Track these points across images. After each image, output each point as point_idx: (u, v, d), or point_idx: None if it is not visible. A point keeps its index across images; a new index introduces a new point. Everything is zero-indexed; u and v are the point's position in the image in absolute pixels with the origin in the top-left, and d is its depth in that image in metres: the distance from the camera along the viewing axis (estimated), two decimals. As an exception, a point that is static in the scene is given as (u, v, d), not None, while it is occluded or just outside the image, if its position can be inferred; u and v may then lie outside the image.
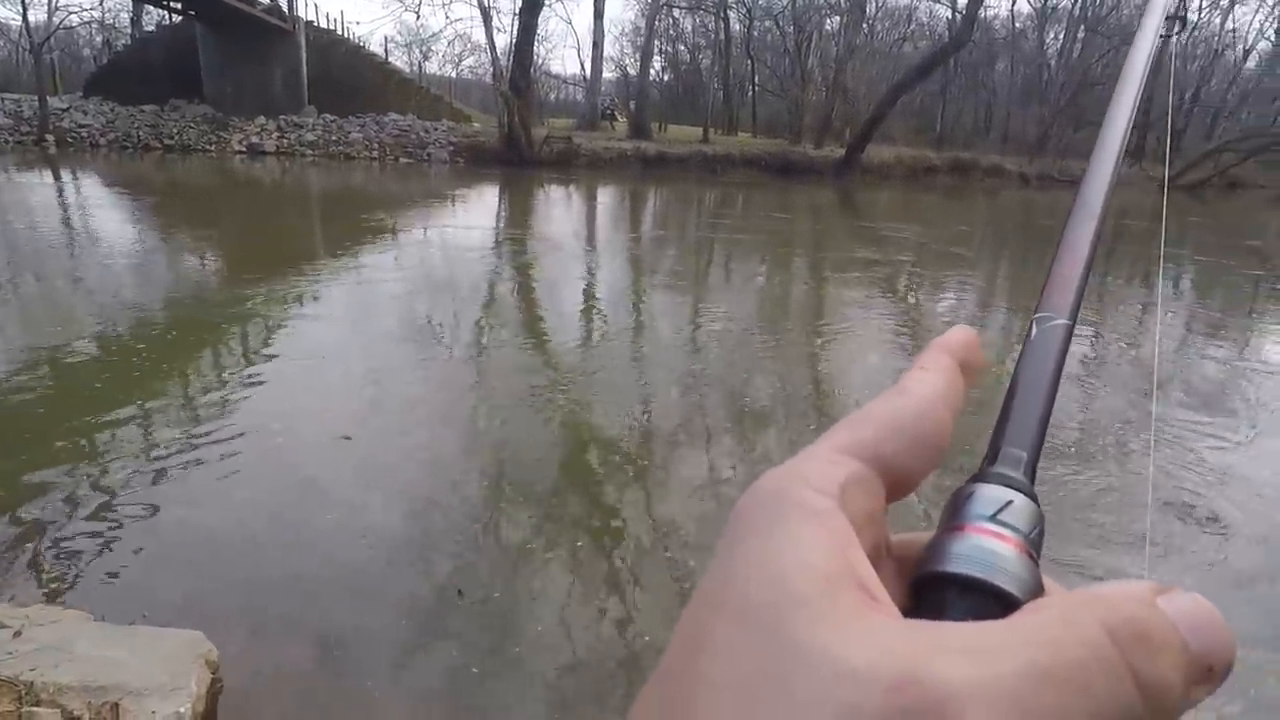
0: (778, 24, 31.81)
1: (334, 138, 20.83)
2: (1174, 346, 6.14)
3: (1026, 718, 0.14)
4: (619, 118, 29.27)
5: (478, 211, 13.27)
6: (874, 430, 0.21)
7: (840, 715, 0.15)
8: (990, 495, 0.21)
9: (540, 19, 22.65)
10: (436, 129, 21.97)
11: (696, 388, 4.46)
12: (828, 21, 30.59)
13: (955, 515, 0.21)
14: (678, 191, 18.28)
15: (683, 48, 36.42)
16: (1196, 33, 36.27)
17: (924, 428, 0.22)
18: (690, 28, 34.68)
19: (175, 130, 20.09)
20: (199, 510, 2.79)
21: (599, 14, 26.03)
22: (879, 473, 0.21)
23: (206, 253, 7.98)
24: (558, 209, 14.48)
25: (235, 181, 15.32)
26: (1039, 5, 35.77)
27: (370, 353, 4.64)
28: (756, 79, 34.65)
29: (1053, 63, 35.43)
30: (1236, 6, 37.32)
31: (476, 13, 20.49)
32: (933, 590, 0.20)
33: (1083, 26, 32.71)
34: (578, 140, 21.82)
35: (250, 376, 4.16)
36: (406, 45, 39.72)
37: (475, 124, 24.22)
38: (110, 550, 2.51)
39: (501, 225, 11.50)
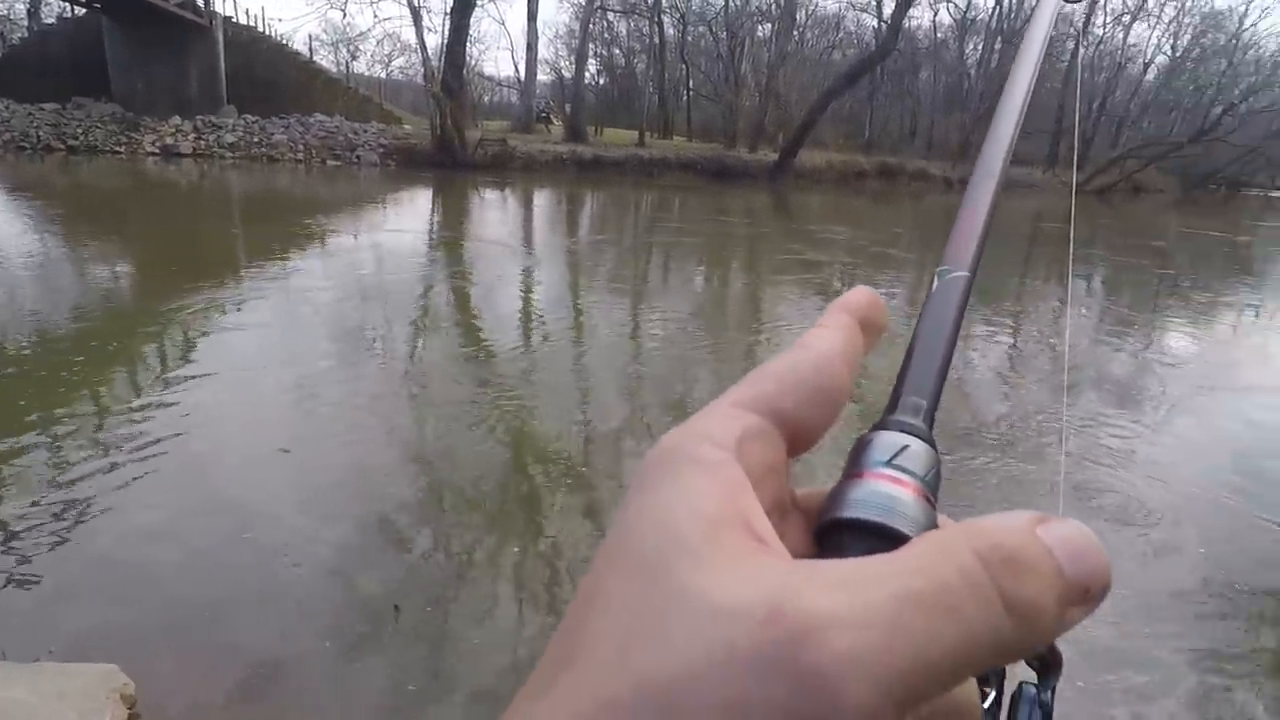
0: (711, 29, 32.23)
1: (256, 139, 20.00)
2: (1086, 342, 6.46)
3: (895, 640, 0.15)
4: (554, 120, 29.11)
5: (411, 215, 12.97)
6: (772, 385, 0.22)
7: (712, 652, 0.15)
8: (887, 441, 0.21)
9: (472, 19, 22.30)
10: (366, 131, 21.37)
11: (638, 389, 4.45)
12: (760, 28, 31.19)
13: (855, 463, 0.21)
14: (614, 195, 18.28)
15: (618, 51, 36.55)
16: (1101, 46, 38.59)
17: (822, 382, 0.22)
18: (625, 31, 34.85)
19: (80, 130, 18.88)
20: (111, 535, 2.61)
21: (532, 16, 25.83)
22: (778, 426, 0.21)
23: (119, 261, 7.54)
24: (494, 212, 14.28)
25: (149, 185, 14.54)
26: (959, 17, 37.36)
27: (300, 363, 4.46)
28: (691, 83, 35.01)
29: (972, 72, 37.03)
30: (1136, 23, 39.65)
31: (406, 12, 20.04)
32: (833, 538, 0.20)
33: (999, 38, 34.27)
34: (513, 143, 21.58)
35: (169, 392, 3.94)
36: (333, 44, 38.52)
37: (407, 126, 23.69)
38: (11, 582, 2.32)
39: (436, 229, 11.26)
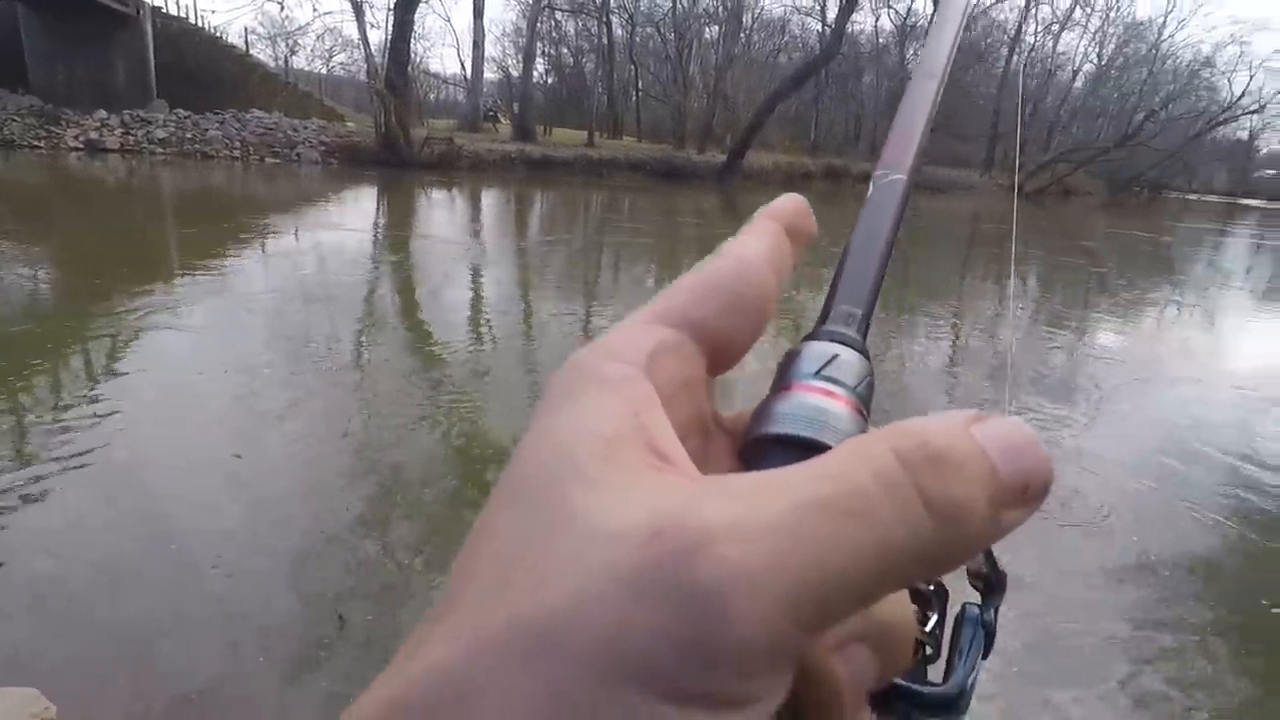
0: (659, 31, 32.36)
1: (189, 135, 19.22)
2: (1023, 337, 6.69)
3: (794, 548, 0.13)
4: (502, 119, 28.83)
5: (356, 215, 12.65)
6: (687, 295, 0.20)
7: (591, 578, 0.13)
8: (816, 352, 0.20)
9: (417, 16, 21.89)
10: (306, 128, 20.76)
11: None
12: (707, 30, 31.44)
13: (782, 376, 0.20)
14: (564, 195, 18.18)
15: (566, 50, 36.38)
16: (1033, 54, 40.20)
17: (743, 289, 0.20)
18: (573, 31, 34.71)
19: (-5, 123, 17.88)
20: (33, 552, 2.46)
21: (479, 13, 25.51)
22: (695, 339, 0.20)
23: (41, 263, 7.15)
24: (441, 212, 14.04)
25: (73, 182, 13.85)
26: (899, 23, 38.34)
27: (238, 368, 4.29)
28: (640, 84, 35.09)
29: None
30: (1065, 32, 41.51)
31: (348, 6, 19.54)
32: (757, 457, 0.19)
33: (937, 44, 35.26)
34: (460, 142, 21.27)
35: (96, 403, 3.74)
36: (271, 38, 37.38)
37: (349, 123, 23.12)
38: (-83, 604, 2.17)
39: (381, 230, 11.00)
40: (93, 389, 3.86)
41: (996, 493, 0.15)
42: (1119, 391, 5.18)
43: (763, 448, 0.19)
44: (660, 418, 0.17)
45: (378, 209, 13.64)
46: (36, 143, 17.72)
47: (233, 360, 4.42)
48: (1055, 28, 40.51)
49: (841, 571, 0.13)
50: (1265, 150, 67.80)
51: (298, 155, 19.54)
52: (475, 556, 0.15)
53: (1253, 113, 39.49)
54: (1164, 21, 42.28)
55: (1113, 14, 41.15)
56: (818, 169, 27.64)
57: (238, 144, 19.38)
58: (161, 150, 18.55)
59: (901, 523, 0.14)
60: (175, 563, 2.45)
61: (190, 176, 15.68)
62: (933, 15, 0.31)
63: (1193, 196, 51.81)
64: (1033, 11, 37.67)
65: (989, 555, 0.23)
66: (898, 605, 0.19)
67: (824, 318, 0.22)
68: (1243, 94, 38.32)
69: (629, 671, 0.13)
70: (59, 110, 18.71)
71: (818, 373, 0.19)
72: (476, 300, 6.73)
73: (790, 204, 0.23)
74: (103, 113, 18.94)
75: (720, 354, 0.20)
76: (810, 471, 0.15)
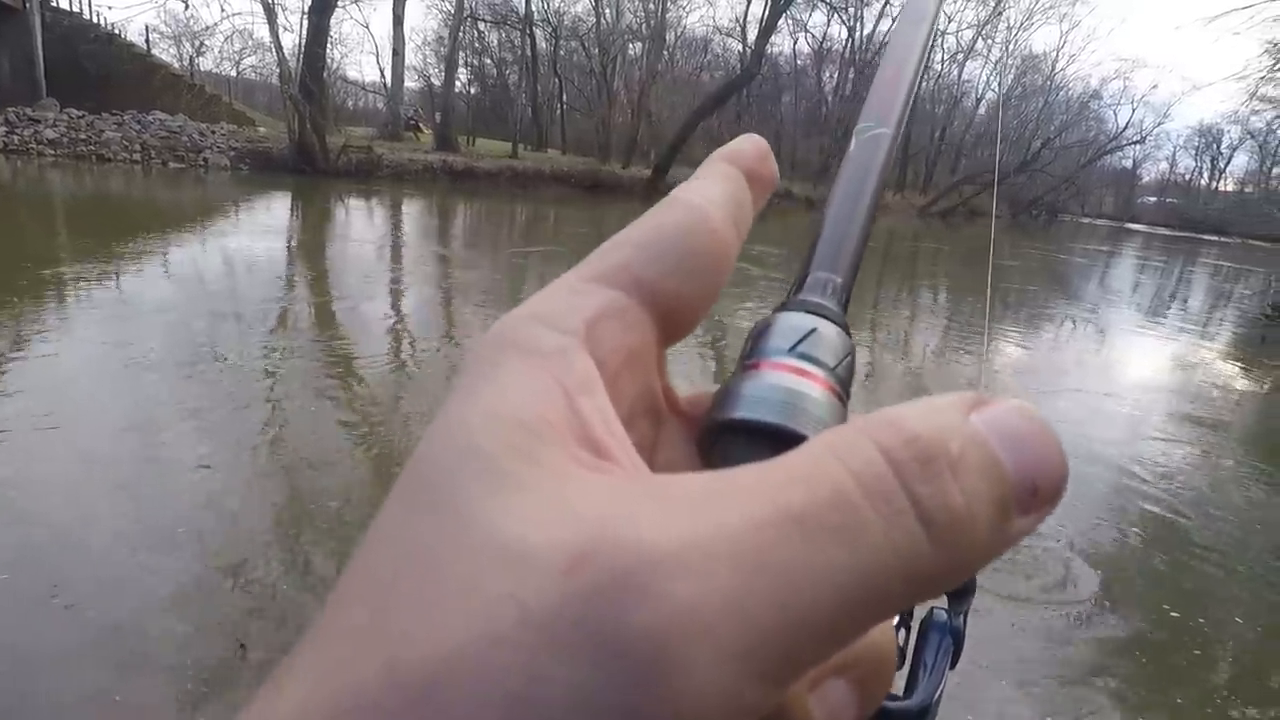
0: (584, 45, 32.48)
1: (83, 136, 18.00)
2: (935, 350, 6.98)
3: (756, 582, 0.10)
4: (423, 129, 28.26)
5: (266, 224, 12.09)
6: (633, 250, 0.17)
7: (494, 618, 0.10)
8: (790, 325, 0.18)
9: (333, 21, 21.25)
10: (214, 132, 19.79)
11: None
12: (631, 46, 31.78)
13: (751, 352, 0.18)
14: (488, 206, 17.95)
15: (489, 61, 36.03)
16: (939, 81, 42.53)
17: (695, 243, 0.17)
18: (496, 42, 34.42)
19: None
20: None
21: (398, 20, 24.98)
22: (643, 303, 0.16)
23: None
24: (359, 223, 13.60)
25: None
26: (816, 47, 39.84)
27: (133, 397, 4.01)
28: (565, 97, 35.11)
29: (830, 98, 39.57)
30: (970, 61, 44.28)
31: (259, 8, 18.78)
32: (719, 445, 0.16)
33: (852, 68, 36.83)
34: (379, 150, 20.72)
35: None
36: (175, 38, 35.61)
37: (261, 128, 22.17)
38: None
39: (295, 241, 10.56)
40: (-38, 412, 3.52)
41: (1004, 496, 0.12)
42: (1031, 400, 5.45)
43: (725, 436, 0.16)
44: (600, 401, 0.14)
45: (291, 219, 13.10)
46: (-95, 140, 16.26)
47: (126, 389, 4.12)
48: (960, 57, 43.03)
49: (817, 607, 0.10)
50: (1146, 178, 73.93)
51: (204, 160, 18.58)
52: (356, 573, 0.12)
53: (1135, 143, 43.20)
54: (1056, 55, 45.60)
55: (1010, 46, 44.07)
56: (741, 186, 28.29)
57: (138, 147, 18.26)
58: (52, 151, 17.28)
59: (892, 542, 0.11)
60: (68, 593, 2.24)
61: (85, 180, 14.68)
62: None
63: (1085, 220, 55.83)
64: (939, 42, 39.83)
65: None
66: (881, 631, 0.16)
67: (799, 285, 0.20)
68: (1126, 125, 41.93)
69: None
70: (-68, 106, 17.23)
71: (792, 349, 0.17)
72: (398, 314, 6.53)
73: (750, 145, 0.21)
74: (-17, 110, 17.54)
75: (672, 320, 0.17)
76: (777, 474, 0.12)
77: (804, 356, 0.17)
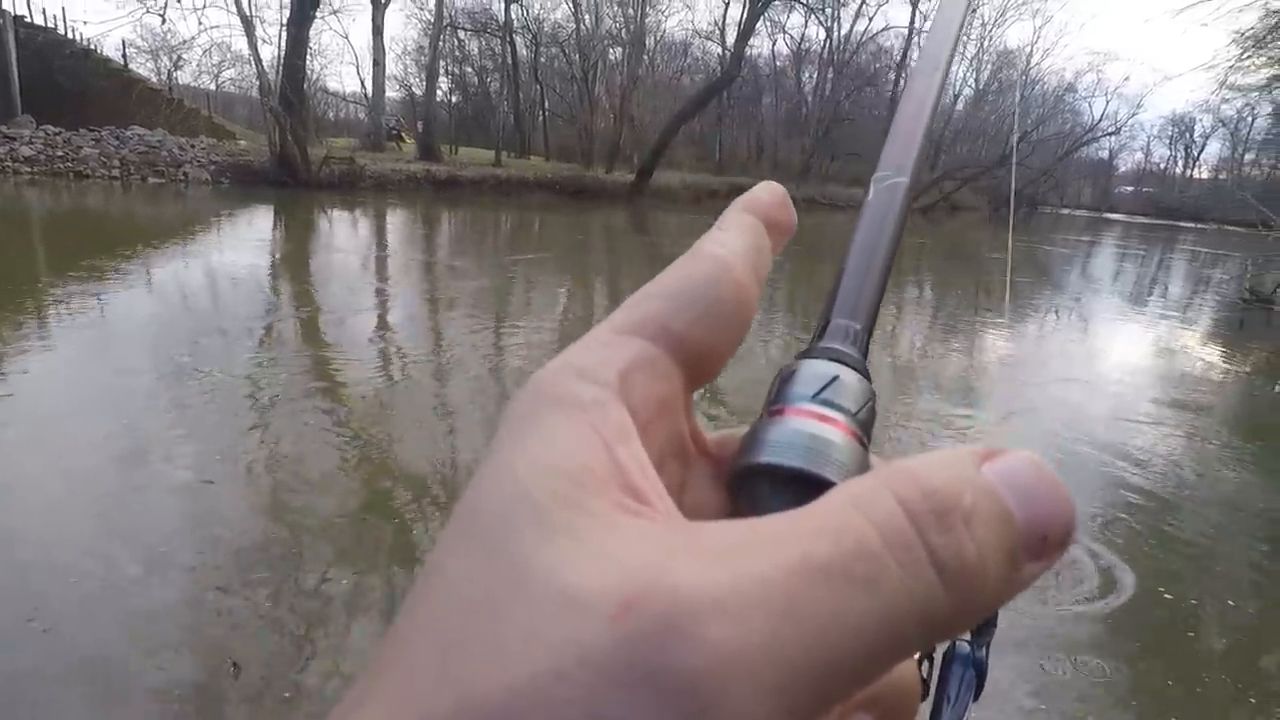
0: (564, 51, 32.52)
1: (60, 153, 17.81)
2: (921, 343, 7.03)
3: (790, 624, 0.11)
4: (406, 139, 28.18)
5: (248, 238, 12.02)
6: (661, 302, 0.18)
7: (556, 658, 0.11)
8: (814, 372, 0.18)
9: (312, 32, 21.17)
10: (194, 146, 19.65)
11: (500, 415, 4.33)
12: (611, 52, 31.85)
13: (776, 398, 0.18)
14: (472, 215, 17.91)
15: (470, 70, 35.99)
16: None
17: (720, 293, 0.18)
18: (477, 50, 34.40)
19: None
20: None
21: (378, 30, 24.93)
22: (671, 352, 0.17)
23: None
24: (343, 234, 13.54)
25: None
26: (794, 48, 40.09)
27: (117, 405, 3.97)
28: (547, 104, 35.12)
29: (809, 99, 39.80)
30: (946, 58, 44.43)
31: (236, 21, 18.67)
32: (747, 488, 0.17)
33: (831, 68, 37.08)
34: (362, 161, 20.65)
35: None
36: (152, 52, 35.31)
37: (241, 141, 22.08)
38: None
39: (278, 253, 10.50)
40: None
41: (1014, 545, 0.13)
42: (1016, 392, 5.50)
43: (753, 479, 0.17)
44: (636, 450, 0.15)
45: (274, 232, 13.02)
46: (-123, 162, 16.03)
47: (110, 399, 4.08)
48: (938, 55, 43.39)
49: (843, 649, 0.11)
50: (1122, 169, 74.82)
51: (184, 175, 18.44)
52: (421, 611, 0.13)
53: (1111, 134, 43.70)
54: (1030, 50, 46.05)
55: (986, 43, 44.49)
56: (723, 188, 28.33)
57: (116, 163, 18.10)
58: (29, 169, 17.09)
59: (910, 591, 0.12)
60: (66, 604, 2.21)
61: (63, 197, 14.53)
62: (934, 10, 0.29)
63: (1065, 211, 56.47)
64: (915, 40, 40.16)
65: None
66: (904, 666, 0.17)
67: (821, 333, 0.20)
68: (1101, 117, 42.40)
69: None
70: (-96, 126, 17.01)
71: (815, 396, 0.18)
72: (384, 326, 6.50)
73: (768, 193, 0.21)
74: (-43, 129, 17.33)
75: (699, 366, 0.18)
76: (805, 524, 0.13)
77: (827, 403, 0.18)
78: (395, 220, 15.89)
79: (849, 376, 0.18)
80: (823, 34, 37.24)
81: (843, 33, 36.50)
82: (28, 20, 20.18)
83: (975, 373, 6.19)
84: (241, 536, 2.76)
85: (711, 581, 0.11)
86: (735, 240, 0.19)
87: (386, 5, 24.98)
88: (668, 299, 0.18)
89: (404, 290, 8.31)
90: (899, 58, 40.06)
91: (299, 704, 2.00)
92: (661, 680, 0.11)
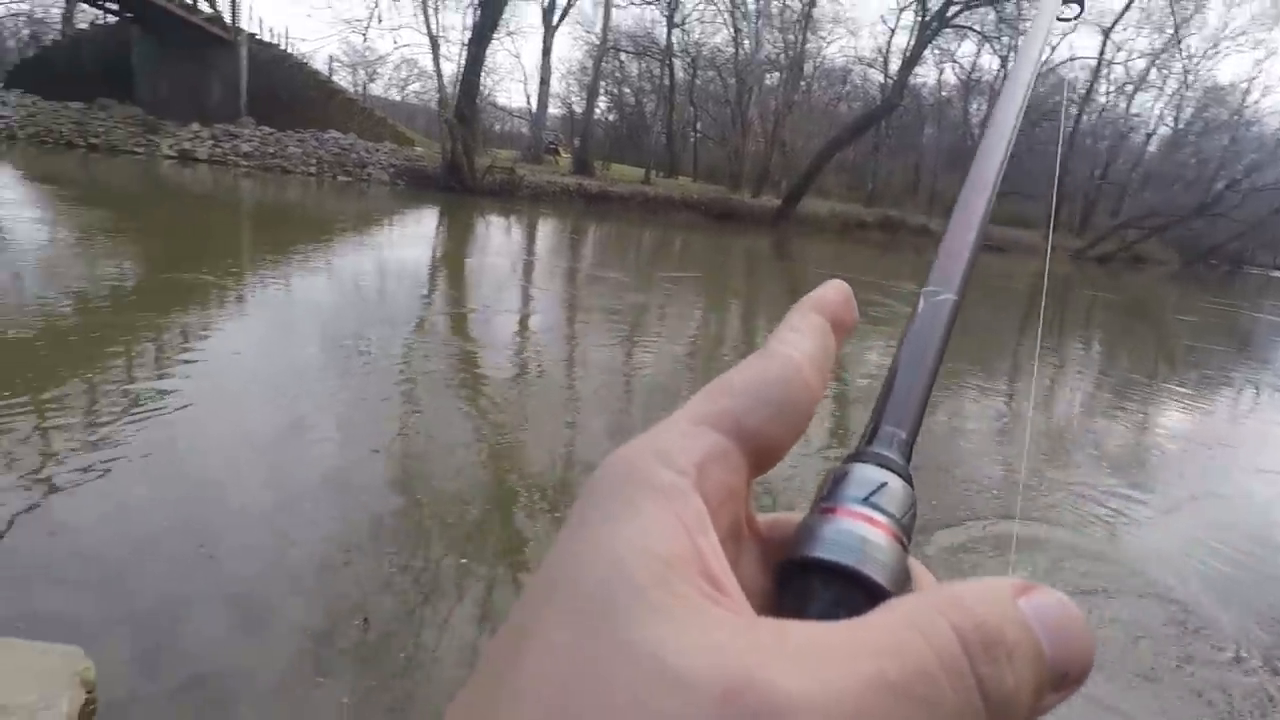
0: (721, 75, 32.93)
1: (271, 150, 20.34)
2: (1097, 412, 6.51)
3: None
4: (562, 153, 29.60)
5: (417, 235, 13.13)
6: (735, 399, 0.20)
7: None
8: (865, 476, 0.20)
9: (488, 51, 22.82)
10: (378, 150, 21.75)
11: (625, 426, 4.50)
12: (768, 76, 31.87)
13: (828, 497, 0.20)
14: (619, 229, 18.52)
15: (628, 90, 37.26)
16: (1104, 114, 39.38)
17: (790, 394, 0.20)
18: (636, 71, 35.58)
19: (101, 129, 19.26)
20: (92, 519, 2.64)
21: (546, 51, 26.49)
22: (740, 444, 0.19)
23: (134, 254, 7.63)
24: (498, 238, 14.46)
25: (166, 186, 14.72)
26: (963, 77, 38.23)
27: (288, 359, 4.53)
28: (699, 125, 35.65)
29: (976, 131, 37.73)
30: (1139, 94, 40.42)
31: (425, 40, 20.53)
32: (797, 578, 0.19)
33: (1004, 101, 35.01)
34: (521, 172, 21.95)
35: (162, 380, 3.99)
36: (352, 66, 39.40)
37: (418, 148, 24.11)
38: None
39: (440, 251, 11.40)
40: (162, 371, 4.11)
41: (1042, 679, 0.15)
42: (1200, 476, 4.98)
43: (805, 572, 0.18)
44: (712, 541, 0.17)
45: (439, 231, 14.12)
46: (136, 149, 19.05)
47: (285, 352, 4.65)
48: (1129, 88, 39.72)
49: None
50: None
51: (368, 175, 20.44)
52: (522, 665, 0.15)
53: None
54: (1248, 87, 40.85)
55: (1190, 78, 40.03)
56: (873, 219, 27.54)
57: (314, 161, 20.40)
58: (245, 163, 19.66)
59: (959, 711, 0.14)
60: (223, 547, 2.59)
61: (270, 188, 16.53)
62: (980, 135, 0.31)
63: (1277, 274, 49.11)
64: (1105, 72, 37.15)
65: None
66: None
67: (870, 437, 0.22)
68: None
69: None
70: (159, 120, 20.08)
71: (866, 499, 0.19)
72: (524, 326, 6.91)
73: (835, 293, 0.23)
74: (196, 125, 20.24)
75: (762, 459, 0.20)
76: (873, 641, 0.15)
77: (875, 507, 0.19)
78: (546, 229, 16.75)
79: (895, 484, 0.20)
80: (996, 63, 35.22)
81: (1020, 64, 34.35)
82: (259, 37, 23.21)
83: (1147, 449, 5.48)
84: (375, 500, 3.08)
85: (801, 685, 0.13)
86: (805, 342, 0.21)
87: (557, 27, 26.51)
88: (743, 396, 0.19)
89: (547, 295, 8.77)
90: (1084, 90, 37.13)
91: (414, 660, 2.21)
92: None
